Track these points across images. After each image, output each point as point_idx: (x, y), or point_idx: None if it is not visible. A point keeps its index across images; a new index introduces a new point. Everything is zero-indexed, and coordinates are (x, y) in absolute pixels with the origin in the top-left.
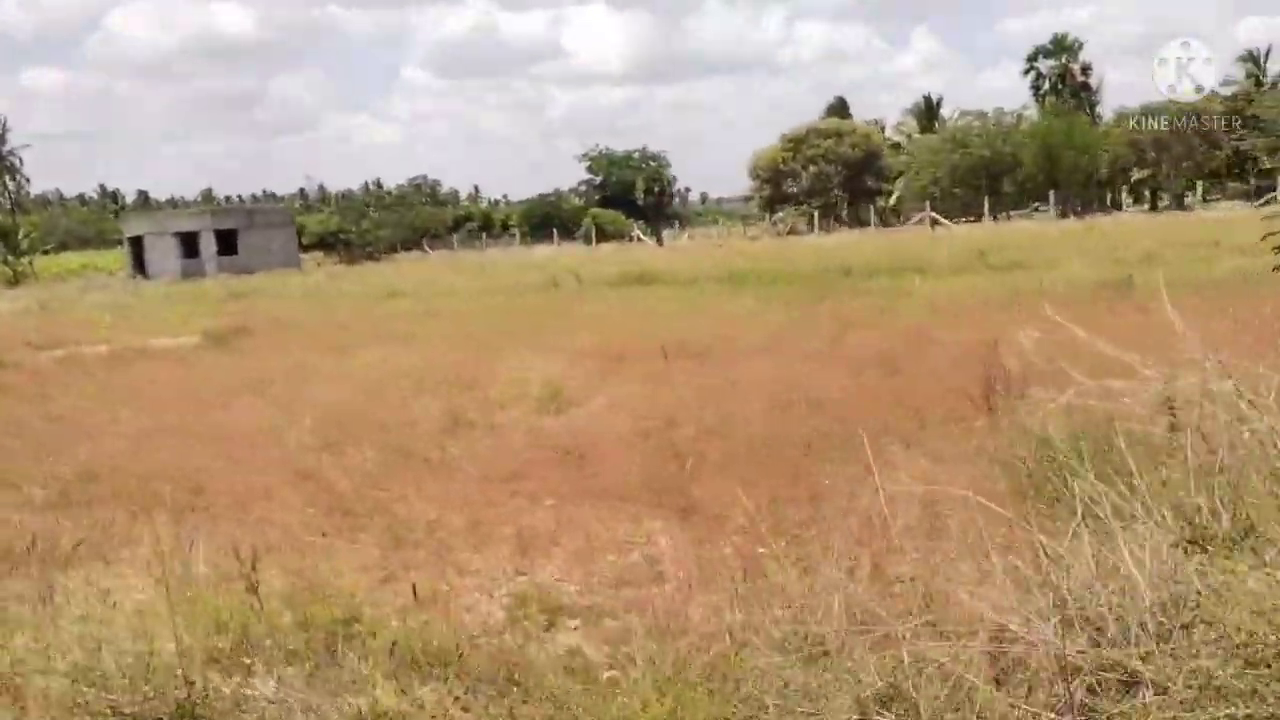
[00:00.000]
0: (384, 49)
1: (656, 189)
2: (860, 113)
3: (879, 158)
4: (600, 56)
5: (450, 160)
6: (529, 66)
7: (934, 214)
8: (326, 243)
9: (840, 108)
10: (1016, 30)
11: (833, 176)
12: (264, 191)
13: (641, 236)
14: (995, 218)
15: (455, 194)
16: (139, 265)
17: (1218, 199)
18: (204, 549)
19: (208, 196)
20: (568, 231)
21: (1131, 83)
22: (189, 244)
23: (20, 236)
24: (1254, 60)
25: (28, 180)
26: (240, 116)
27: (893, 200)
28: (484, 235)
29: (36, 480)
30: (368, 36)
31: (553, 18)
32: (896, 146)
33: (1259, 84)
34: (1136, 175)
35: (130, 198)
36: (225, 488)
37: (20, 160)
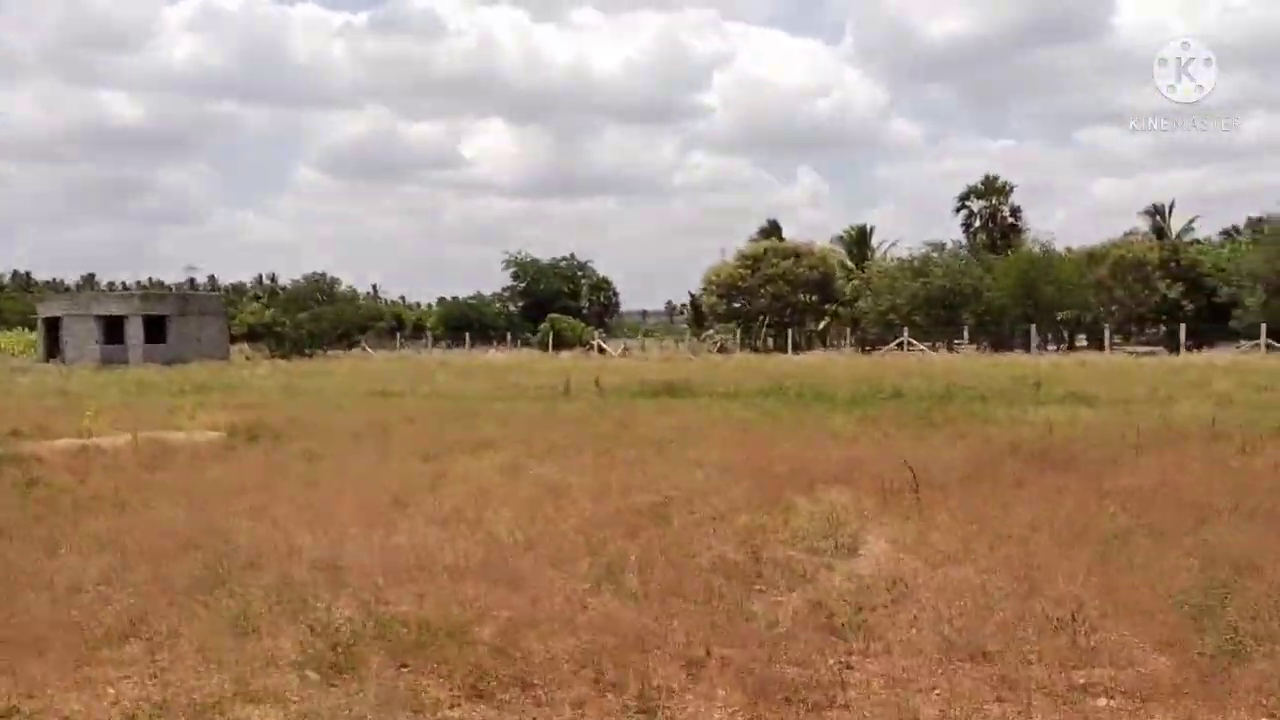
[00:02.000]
0: (277, 148)
1: (602, 298)
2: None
3: (833, 280)
4: (496, 168)
5: (338, 259)
6: (424, 173)
7: (911, 339)
8: (255, 334)
9: (773, 229)
10: (887, 175)
11: (789, 296)
12: (150, 279)
13: (604, 346)
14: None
15: (353, 292)
16: (53, 349)
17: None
18: None
19: (89, 281)
20: (487, 335)
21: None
22: (113, 329)
23: None
24: (1160, 214)
25: None
26: (123, 204)
27: (822, 324)
28: (419, 337)
29: (277, 630)
30: (260, 134)
31: (451, 129)
32: None
33: (1161, 234)
34: (1061, 315)
35: (7, 278)
36: (554, 652)
37: None
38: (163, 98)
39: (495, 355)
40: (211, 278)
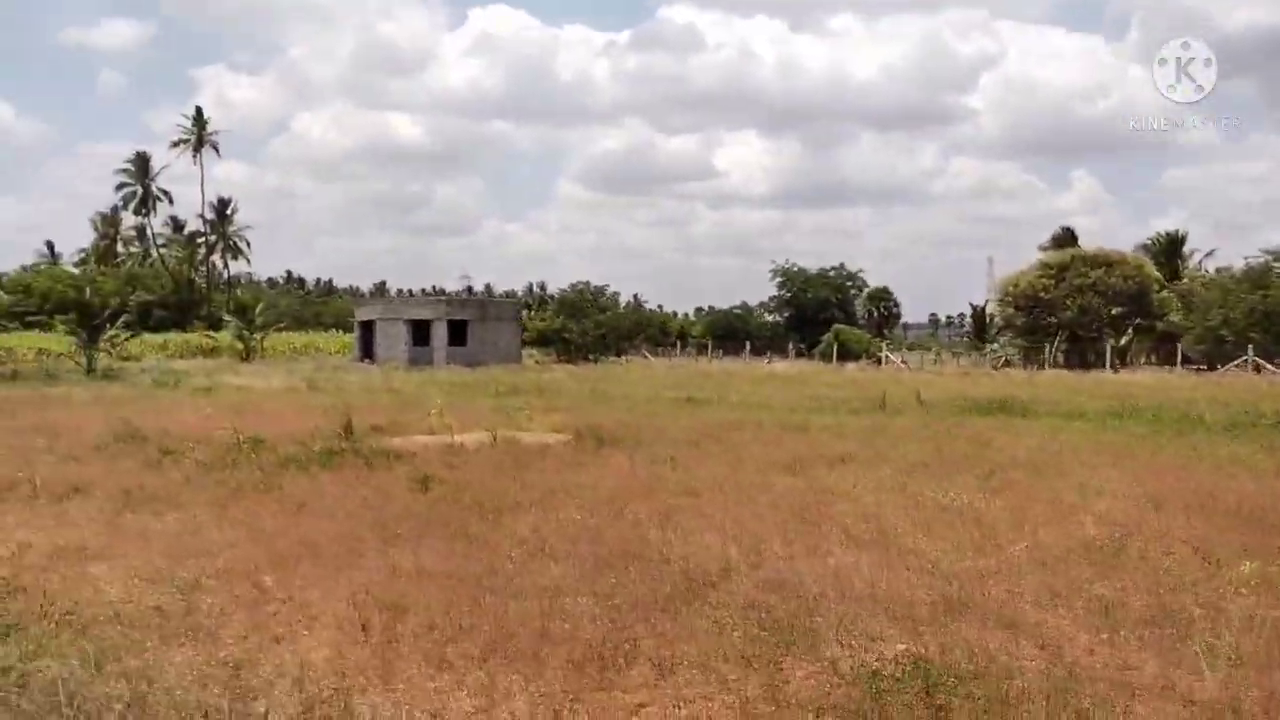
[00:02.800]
0: (542, 163)
1: (882, 308)
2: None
3: (1149, 293)
4: (748, 179)
5: (597, 269)
6: (677, 185)
7: (1259, 359)
8: (544, 340)
9: (1068, 238)
10: (1178, 180)
11: (1099, 309)
12: (434, 286)
13: (891, 357)
14: None
15: (616, 300)
16: (366, 349)
17: None
18: None
19: (381, 288)
20: (753, 345)
21: None
22: (420, 332)
23: (257, 313)
24: None
25: (248, 261)
26: (405, 217)
27: (1124, 340)
28: (683, 345)
29: (776, 660)
30: (528, 151)
31: (705, 141)
32: None
33: None
34: None
35: (310, 284)
36: None
37: (248, 243)
38: (442, 119)
39: (777, 365)
40: (488, 286)
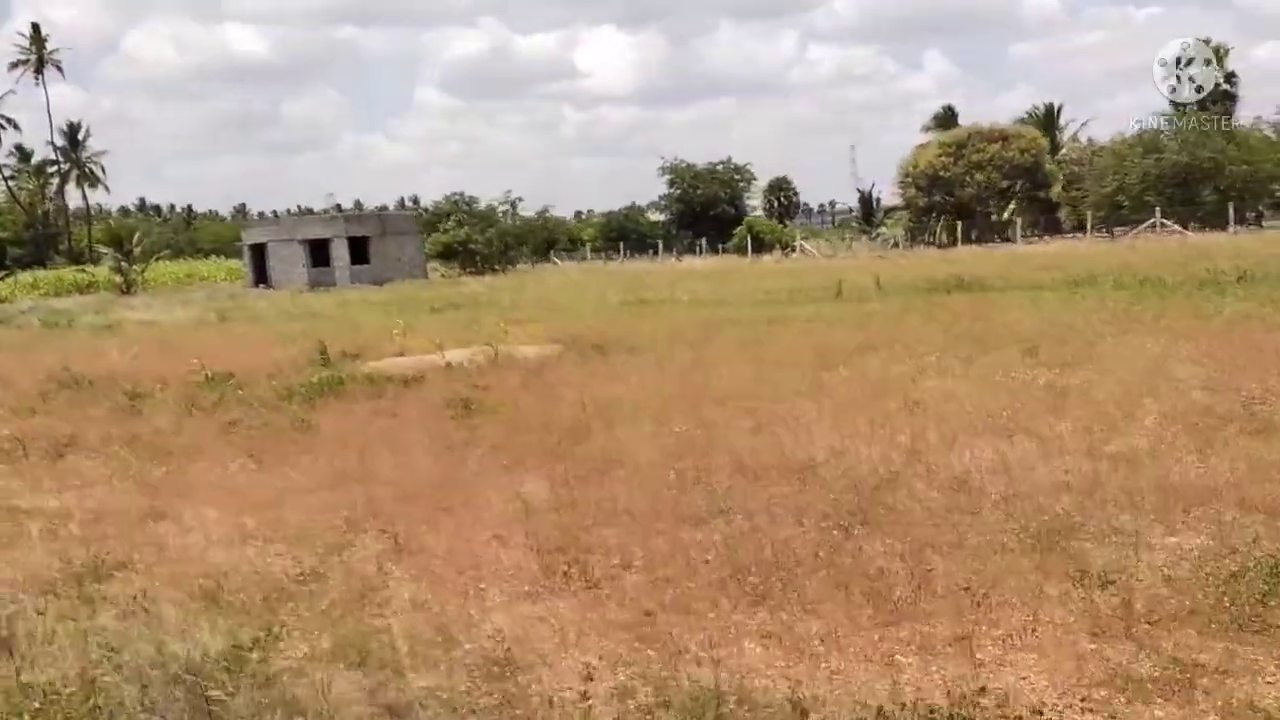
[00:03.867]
0: (397, 70)
1: (782, 198)
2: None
3: (1043, 165)
4: (612, 77)
5: (467, 177)
6: (540, 86)
7: (1164, 220)
8: (451, 252)
9: (949, 117)
10: (1024, 55)
11: (998, 184)
12: (299, 206)
13: (807, 247)
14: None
15: (493, 209)
16: (260, 275)
17: None
18: None
19: (242, 211)
20: (644, 245)
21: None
22: (318, 252)
23: (134, 243)
24: None
25: (107, 189)
26: (257, 136)
27: (1007, 213)
28: (574, 250)
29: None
30: (380, 58)
31: (565, 38)
32: None
33: None
34: None
35: (166, 211)
36: None
37: (103, 169)
38: (286, 29)
39: (694, 262)
40: (357, 202)
